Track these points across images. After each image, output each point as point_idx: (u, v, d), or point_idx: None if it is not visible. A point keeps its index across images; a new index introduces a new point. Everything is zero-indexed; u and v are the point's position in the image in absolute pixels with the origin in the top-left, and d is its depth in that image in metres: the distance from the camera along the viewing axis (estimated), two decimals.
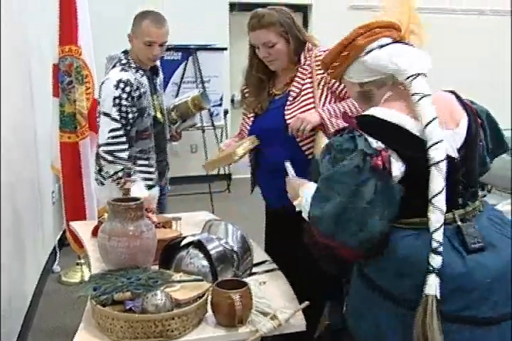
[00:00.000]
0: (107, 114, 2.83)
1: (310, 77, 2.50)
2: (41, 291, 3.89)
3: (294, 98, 2.50)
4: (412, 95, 1.71)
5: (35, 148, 4.01)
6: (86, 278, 3.77)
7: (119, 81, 2.82)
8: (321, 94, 2.48)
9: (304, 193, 1.86)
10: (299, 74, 2.52)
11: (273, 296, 1.90)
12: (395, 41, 1.81)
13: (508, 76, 7.61)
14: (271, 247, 2.64)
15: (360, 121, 1.73)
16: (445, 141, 1.67)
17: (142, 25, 2.84)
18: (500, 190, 4.99)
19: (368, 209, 1.62)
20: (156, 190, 3.08)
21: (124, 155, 2.86)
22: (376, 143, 1.66)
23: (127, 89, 2.82)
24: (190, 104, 3.16)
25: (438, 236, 1.64)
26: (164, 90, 6.18)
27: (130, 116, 2.85)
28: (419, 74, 1.72)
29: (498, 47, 7.90)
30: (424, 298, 1.61)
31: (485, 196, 1.97)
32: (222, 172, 7.14)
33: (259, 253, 2.30)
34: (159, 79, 3.17)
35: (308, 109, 2.45)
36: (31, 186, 3.84)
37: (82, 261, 4.14)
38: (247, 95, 2.68)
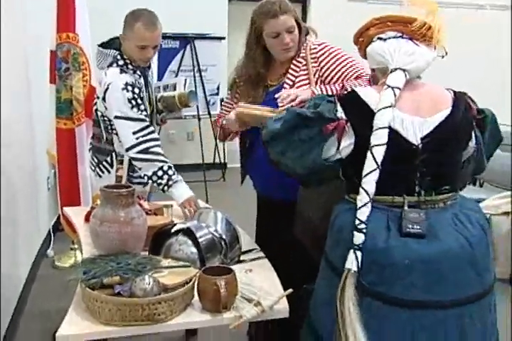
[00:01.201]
0: (124, 118, 2.73)
1: (305, 69, 2.52)
2: (35, 275, 3.94)
3: (289, 89, 2.51)
4: (384, 85, 1.87)
5: (32, 134, 4.04)
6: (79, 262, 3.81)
7: (126, 84, 2.74)
8: (315, 86, 2.50)
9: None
10: (292, 66, 2.54)
11: (258, 283, 1.94)
12: (400, 36, 1.92)
13: (508, 75, 7.64)
14: (262, 236, 2.69)
15: (343, 93, 2.03)
16: (409, 127, 1.82)
17: (134, 28, 2.72)
18: (494, 184, 5.03)
19: (296, 143, 1.88)
20: (148, 187, 3.10)
21: (159, 150, 2.77)
22: (340, 113, 1.87)
23: (136, 90, 2.77)
24: (177, 100, 3.13)
25: (360, 214, 1.78)
26: (162, 78, 6.31)
27: (145, 113, 2.80)
28: (396, 69, 1.88)
29: (496, 42, 7.91)
30: (345, 272, 1.76)
31: (458, 191, 2.01)
32: (217, 161, 7.19)
33: (248, 242, 2.35)
34: (150, 70, 3.11)
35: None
36: (27, 172, 3.88)
37: (76, 246, 4.18)
38: (240, 85, 2.67)
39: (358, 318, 1.71)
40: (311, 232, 2.26)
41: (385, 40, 1.93)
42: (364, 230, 1.76)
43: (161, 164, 2.71)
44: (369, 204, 1.78)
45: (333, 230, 1.94)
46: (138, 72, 2.88)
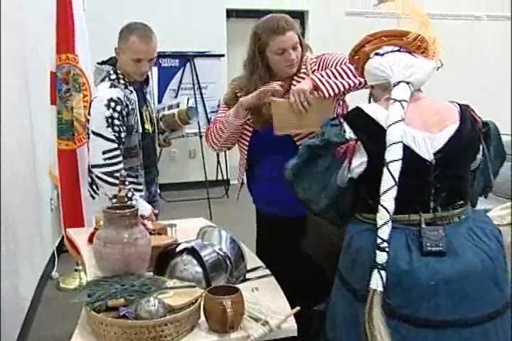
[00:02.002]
0: (98, 135, 2.74)
1: None
2: (40, 297, 3.91)
3: None
4: (390, 99, 1.85)
5: (33, 155, 4.04)
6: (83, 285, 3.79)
7: (110, 100, 2.73)
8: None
9: None
10: (294, 82, 2.52)
11: (265, 302, 1.91)
12: (397, 49, 1.91)
13: (508, 84, 7.64)
14: (263, 252, 2.66)
15: (348, 112, 1.98)
16: (421, 143, 1.79)
17: (129, 41, 2.74)
18: (499, 195, 5.01)
19: (316, 176, 1.88)
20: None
21: (124, 174, 2.74)
22: (349, 133, 1.84)
23: (118, 108, 2.74)
24: (177, 118, 3.13)
25: (382, 233, 1.74)
26: (162, 96, 6.33)
27: (122, 135, 2.79)
28: (400, 82, 1.86)
29: (494, 53, 7.93)
30: (370, 292, 1.72)
31: (474, 206, 2.00)
32: (220, 177, 7.18)
33: (253, 259, 2.33)
34: (149, 87, 3.11)
35: None
36: (30, 193, 3.87)
37: (80, 267, 4.16)
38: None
39: (389, 336, 1.68)
40: (325, 248, 2.23)
41: (382, 55, 1.92)
42: (387, 249, 1.73)
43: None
44: (390, 223, 1.75)
45: (350, 251, 1.90)
46: (130, 87, 2.86)
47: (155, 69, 6.39)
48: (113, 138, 2.74)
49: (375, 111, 1.87)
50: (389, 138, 1.77)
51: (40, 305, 3.84)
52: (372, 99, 2.08)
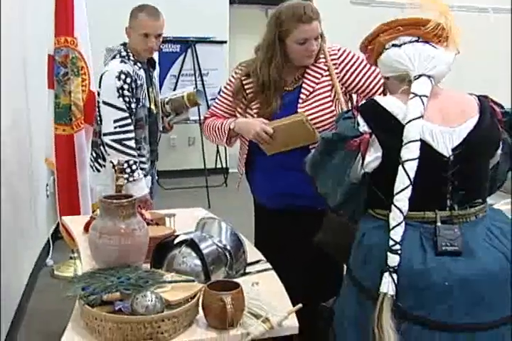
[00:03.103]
0: (110, 104, 2.93)
1: (327, 75, 2.44)
2: (33, 285, 3.85)
3: (307, 95, 2.43)
4: (409, 93, 1.75)
5: (30, 140, 3.96)
6: (79, 273, 3.74)
7: (121, 72, 2.92)
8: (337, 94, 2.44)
9: None
10: (312, 72, 2.45)
11: (266, 297, 1.85)
12: (416, 40, 1.81)
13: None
14: (261, 243, 2.60)
15: (362, 104, 1.87)
16: (439, 138, 1.71)
17: (138, 17, 2.98)
18: (503, 191, 4.96)
19: (331, 170, 1.81)
20: (148, 180, 3.16)
21: (132, 143, 2.96)
22: (363, 126, 1.76)
23: (128, 80, 2.93)
24: (186, 100, 3.27)
25: (394, 234, 1.67)
26: (162, 82, 6.27)
27: (133, 105, 2.96)
28: (421, 76, 1.76)
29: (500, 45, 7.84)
30: (381, 295, 1.64)
31: (492, 205, 1.92)
32: (219, 166, 7.11)
33: (253, 253, 2.26)
34: (155, 72, 3.28)
35: (326, 108, 2.41)
36: (25, 179, 3.79)
37: (76, 255, 4.09)
38: (250, 88, 2.51)
39: None
40: (340, 239, 2.14)
41: (399, 46, 1.81)
42: (399, 251, 1.66)
43: (128, 157, 2.93)
44: (403, 224, 1.68)
45: (361, 249, 1.83)
46: (138, 63, 3.06)
47: (155, 55, 6.29)
48: (124, 107, 2.93)
49: (391, 104, 1.77)
50: (406, 136, 1.68)
51: (33, 292, 3.78)
52: (388, 90, 1.99)
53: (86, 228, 2.46)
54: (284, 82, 2.46)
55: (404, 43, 1.81)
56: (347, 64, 2.45)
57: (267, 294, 1.89)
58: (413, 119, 1.69)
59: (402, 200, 1.67)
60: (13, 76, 3.55)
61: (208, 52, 6.55)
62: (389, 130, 1.74)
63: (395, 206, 1.68)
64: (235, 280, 1.84)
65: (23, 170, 3.76)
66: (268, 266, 2.18)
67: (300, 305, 1.79)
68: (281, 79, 2.43)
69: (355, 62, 2.44)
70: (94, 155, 3.21)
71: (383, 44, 1.85)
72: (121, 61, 3.00)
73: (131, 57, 3.04)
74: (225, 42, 6.82)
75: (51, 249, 4.38)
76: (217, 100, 2.70)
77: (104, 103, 2.96)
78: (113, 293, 1.68)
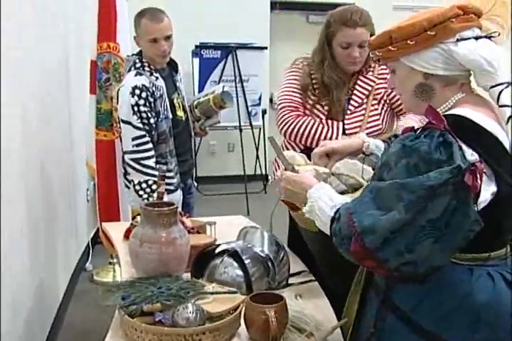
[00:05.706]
0: (126, 122, 2.85)
1: (377, 89, 2.45)
2: (73, 290, 3.85)
3: (355, 107, 2.44)
4: (501, 106, 1.42)
5: (71, 145, 3.97)
6: (118, 278, 3.72)
7: (135, 87, 2.83)
8: (382, 109, 2.43)
9: (316, 195, 1.53)
10: (361, 83, 2.45)
11: (309, 310, 1.79)
12: (485, 35, 1.47)
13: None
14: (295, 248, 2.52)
15: (452, 122, 1.36)
16: None
17: (141, 24, 2.88)
18: None
19: (426, 228, 1.30)
20: (177, 195, 3.03)
21: (151, 162, 2.87)
22: (471, 155, 1.34)
23: (143, 94, 2.83)
24: (212, 103, 3.14)
25: None
26: (202, 88, 6.24)
27: (152, 121, 2.86)
28: (509, 85, 1.43)
29: None
30: None
31: None
32: (258, 172, 7.06)
33: (296, 263, 2.20)
34: (179, 76, 3.16)
35: (372, 121, 2.40)
36: (65, 183, 3.80)
37: (115, 260, 4.09)
38: (316, 87, 2.45)
39: None
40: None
41: (476, 39, 1.45)
42: None
43: (147, 177, 2.85)
44: None
45: (472, 306, 1.43)
46: (156, 74, 2.94)
47: (196, 61, 6.31)
48: (140, 125, 2.83)
49: (484, 121, 1.40)
50: None
51: (73, 297, 3.77)
52: (430, 95, 1.50)
53: (126, 235, 2.43)
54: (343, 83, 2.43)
55: (480, 37, 1.45)
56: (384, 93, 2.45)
57: (310, 307, 1.83)
58: None
59: None
60: (55, 81, 3.56)
61: (248, 58, 6.50)
62: (497, 156, 1.40)
63: None
64: (278, 292, 1.79)
65: (64, 175, 3.77)
66: (311, 277, 2.12)
67: (345, 319, 1.72)
68: (340, 80, 2.41)
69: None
70: (123, 171, 3.12)
71: (454, 32, 1.44)
72: (136, 73, 2.90)
73: (147, 68, 2.92)
74: (266, 48, 6.76)
75: (91, 253, 4.39)
76: (287, 92, 2.54)
77: (122, 121, 2.87)
78: (154, 304, 1.64)
